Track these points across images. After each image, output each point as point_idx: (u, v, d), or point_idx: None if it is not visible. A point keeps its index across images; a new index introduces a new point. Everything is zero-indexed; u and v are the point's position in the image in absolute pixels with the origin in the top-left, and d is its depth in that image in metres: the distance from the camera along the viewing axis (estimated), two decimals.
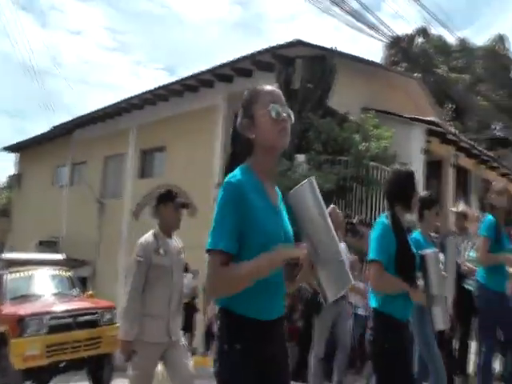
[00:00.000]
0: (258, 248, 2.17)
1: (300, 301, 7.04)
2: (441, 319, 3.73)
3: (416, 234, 4.30)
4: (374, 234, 3.55)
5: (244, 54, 12.39)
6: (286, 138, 2.31)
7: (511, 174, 16.83)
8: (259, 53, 11.92)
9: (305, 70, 11.36)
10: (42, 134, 21.85)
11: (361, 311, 7.25)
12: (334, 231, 2.17)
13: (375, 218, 10.02)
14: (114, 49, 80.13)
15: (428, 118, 13.45)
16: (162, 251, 4.48)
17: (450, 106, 21.99)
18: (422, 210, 4.34)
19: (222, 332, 2.27)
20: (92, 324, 8.32)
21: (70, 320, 8.06)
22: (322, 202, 2.20)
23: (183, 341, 4.69)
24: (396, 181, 3.69)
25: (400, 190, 3.62)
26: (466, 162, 15.18)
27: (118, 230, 16.92)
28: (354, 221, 9.84)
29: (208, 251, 2.15)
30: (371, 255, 3.48)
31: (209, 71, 13.27)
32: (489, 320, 5.18)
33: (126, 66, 78.48)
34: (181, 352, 4.58)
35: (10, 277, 9.16)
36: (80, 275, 12.01)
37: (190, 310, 11.29)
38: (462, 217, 6.72)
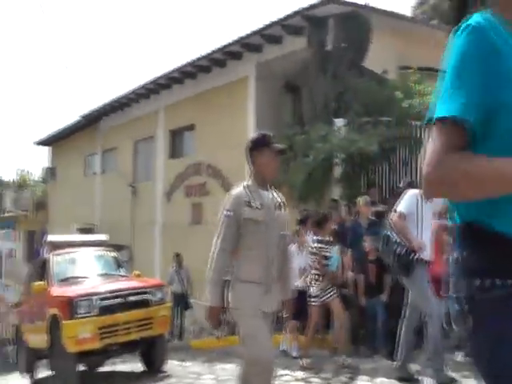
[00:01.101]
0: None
1: (389, 255, 5.74)
2: None
3: None
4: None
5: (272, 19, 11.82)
6: None
7: None
8: (289, 16, 11.33)
9: (338, 29, 10.77)
10: (71, 125, 21.87)
11: None
12: None
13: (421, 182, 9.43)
14: None
15: None
16: (255, 204, 3.75)
17: None
18: None
19: (471, 261, 1.44)
20: (143, 304, 7.92)
21: (120, 300, 7.69)
22: None
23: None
24: None
25: None
26: None
27: (151, 212, 16.75)
28: (401, 184, 9.25)
29: (434, 122, 1.40)
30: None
31: (236, 42, 12.76)
32: None
33: None
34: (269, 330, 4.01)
35: (56, 259, 8.94)
36: None
37: None
38: None
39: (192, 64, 14.24)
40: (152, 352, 8.30)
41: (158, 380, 7.73)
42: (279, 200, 3.95)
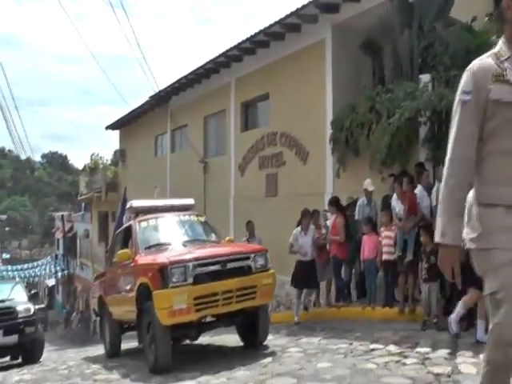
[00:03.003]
0: None
1: None
2: None
3: None
4: None
5: None
6: None
7: None
8: None
9: None
10: (140, 107, 21.97)
11: None
12: None
13: None
14: None
15: None
16: (510, 76, 2.47)
17: None
18: None
19: None
20: (245, 271, 7.07)
21: (218, 267, 6.87)
22: None
23: None
24: None
25: None
26: None
27: (224, 187, 16.47)
28: None
29: None
30: None
31: (311, 3, 12.04)
32: None
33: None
34: None
35: (141, 225, 8.28)
36: None
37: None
38: None
39: (264, 32, 13.63)
40: (253, 325, 7.50)
41: (256, 355, 7.01)
42: None
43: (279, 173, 13.94)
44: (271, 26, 13.35)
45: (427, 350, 5.94)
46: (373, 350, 6.36)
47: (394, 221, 8.82)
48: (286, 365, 6.07)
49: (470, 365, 5.13)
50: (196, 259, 6.81)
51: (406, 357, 5.73)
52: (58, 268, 35.20)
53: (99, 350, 10.56)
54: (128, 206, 9.61)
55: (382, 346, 6.43)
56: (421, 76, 9.59)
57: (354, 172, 10.93)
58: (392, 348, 6.28)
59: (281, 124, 13.89)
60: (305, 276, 9.91)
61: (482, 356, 5.19)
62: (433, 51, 9.59)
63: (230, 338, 8.69)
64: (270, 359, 6.52)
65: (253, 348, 7.47)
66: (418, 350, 6.00)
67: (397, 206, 8.76)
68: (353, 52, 11.86)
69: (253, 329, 7.57)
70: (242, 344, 7.92)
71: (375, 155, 9.85)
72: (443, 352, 5.76)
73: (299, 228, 9.73)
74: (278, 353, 6.91)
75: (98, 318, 10.41)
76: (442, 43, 9.49)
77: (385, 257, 8.82)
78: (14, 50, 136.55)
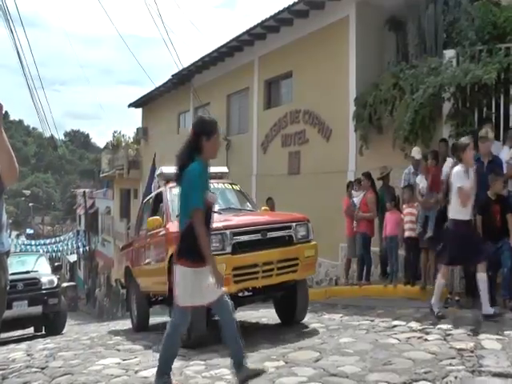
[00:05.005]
0: None
1: None
2: None
3: None
4: None
5: None
6: None
7: None
8: None
9: None
10: (163, 85, 22.03)
11: None
12: None
13: None
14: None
15: None
16: None
17: None
18: None
19: None
20: (286, 241, 6.53)
21: (258, 236, 6.34)
22: None
23: None
24: None
25: None
26: None
27: (247, 164, 16.48)
28: None
29: None
30: None
31: None
32: None
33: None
34: None
35: (172, 192, 7.57)
36: None
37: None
38: None
39: (288, 9, 13.53)
40: (291, 301, 7.05)
41: (278, 330, 6.94)
42: None
43: (302, 151, 13.93)
44: (295, 3, 13.26)
45: (449, 326, 5.96)
46: (394, 326, 6.38)
47: (416, 197, 8.79)
48: (308, 339, 6.11)
49: (493, 341, 5.13)
50: (235, 227, 6.32)
51: (427, 333, 5.76)
52: (79, 244, 35.73)
53: (124, 324, 10.63)
54: (158, 172, 8.87)
55: (403, 323, 6.46)
56: (445, 51, 9.48)
57: (377, 150, 10.89)
58: (414, 324, 6.31)
59: (304, 102, 13.86)
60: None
61: (506, 333, 5.27)
62: (458, 26, 9.47)
63: (253, 315, 8.77)
64: (292, 334, 6.52)
65: (288, 326, 7.14)
66: (440, 326, 6.02)
67: (421, 182, 8.72)
68: (377, 29, 11.76)
69: (291, 305, 7.14)
70: (264, 320, 7.88)
71: (398, 132, 9.77)
72: (465, 329, 5.76)
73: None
74: (300, 328, 6.93)
75: (125, 291, 9.87)
76: (467, 18, 9.34)
77: (407, 234, 8.82)
78: (32, 29, 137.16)
